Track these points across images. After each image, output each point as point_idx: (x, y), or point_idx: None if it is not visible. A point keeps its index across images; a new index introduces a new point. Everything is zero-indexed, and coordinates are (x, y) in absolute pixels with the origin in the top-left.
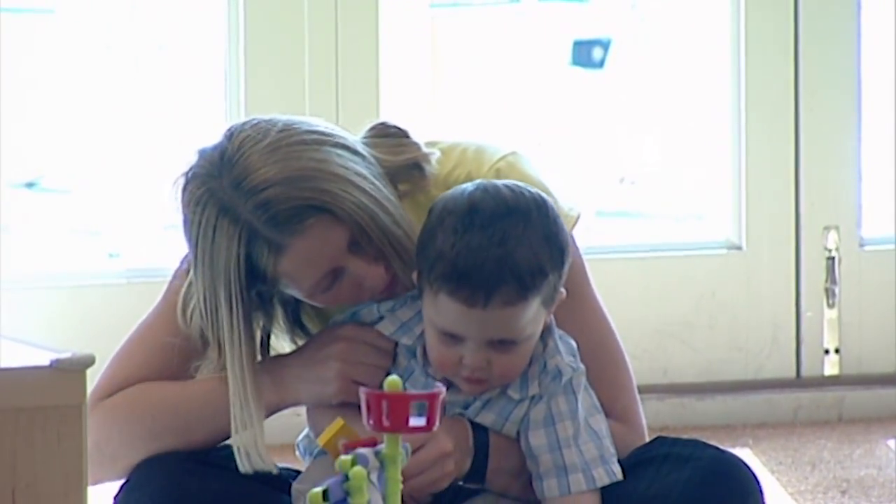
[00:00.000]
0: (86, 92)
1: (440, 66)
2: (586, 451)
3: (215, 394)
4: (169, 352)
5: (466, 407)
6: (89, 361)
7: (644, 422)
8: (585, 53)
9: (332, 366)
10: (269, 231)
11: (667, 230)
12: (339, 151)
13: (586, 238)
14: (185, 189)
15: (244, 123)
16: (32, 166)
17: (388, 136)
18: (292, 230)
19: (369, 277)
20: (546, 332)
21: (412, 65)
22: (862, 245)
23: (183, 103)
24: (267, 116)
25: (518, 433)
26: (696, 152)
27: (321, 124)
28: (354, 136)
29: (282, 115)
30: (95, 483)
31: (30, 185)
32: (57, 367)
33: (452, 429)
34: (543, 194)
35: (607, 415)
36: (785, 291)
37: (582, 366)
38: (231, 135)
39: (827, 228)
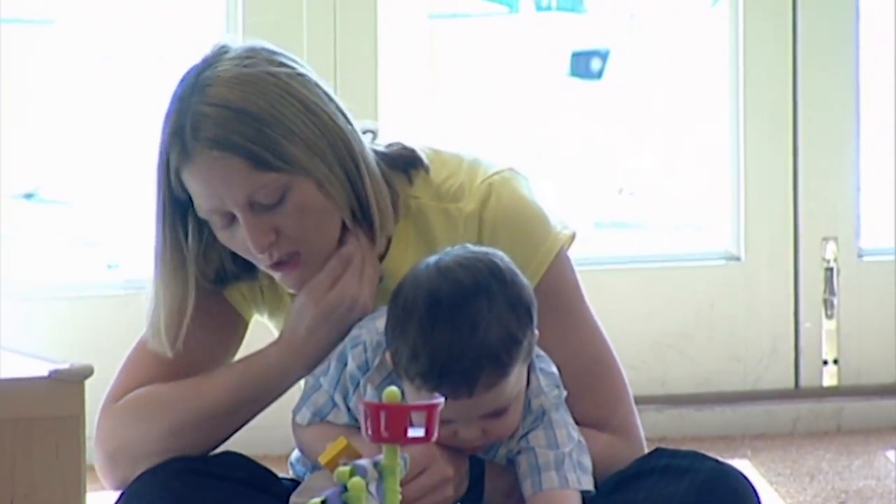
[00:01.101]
0: (85, 102)
1: (439, 77)
2: (570, 478)
3: (231, 385)
4: (181, 349)
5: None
6: (88, 372)
7: (642, 434)
8: (584, 64)
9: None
10: (189, 137)
11: (665, 241)
12: (311, 118)
13: (584, 249)
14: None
15: (253, 46)
16: (31, 177)
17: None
18: (202, 150)
19: (254, 244)
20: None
21: (411, 75)
22: (860, 256)
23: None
24: (276, 50)
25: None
26: (694, 163)
27: (322, 94)
28: (354, 125)
29: (291, 59)
30: (113, 487)
31: (28, 195)
32: (55, 377)
33: (451, 456)
34: (495, 257)
35: (605, 428)
36: (783, 302)
37: (563, 392)
38: (237, 52)
39: (825, 239)
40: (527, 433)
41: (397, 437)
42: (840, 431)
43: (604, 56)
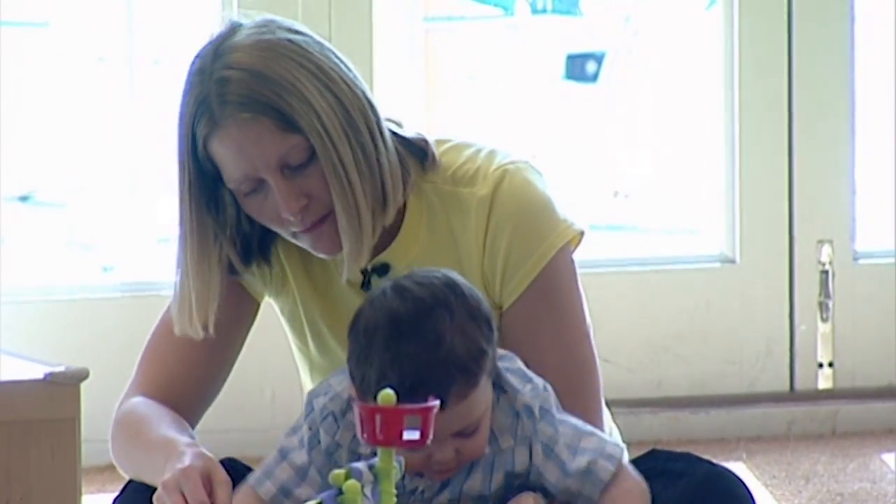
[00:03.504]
0: (80, 106)
1: (434, 80)
2: (588, 446)
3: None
4: (188, 342)
5: (449, 484)
6: (83, 375)
7: (606, 425)
8: (579, 67)
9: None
10: (216, 105)
11: (660, 243)
12: (329, 87)
13: (579, 252)
14: None
15: (267, 17)
16: (27, 180)
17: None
18: (230, 114)
19: (285, 207)
20: (495, 382)
21: (406, 78)
22: (856, 259)
23: (177, 118)
24: (293, 25)
25: (526, 483)
26: (689, 166)
27: (339, 63)
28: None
29: (307, 35)
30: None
31: (24, 198)
32: (51, 380)
33: None
34: (450, 273)
35: None
36: (779, 305)
37: (541, 381)
38: (252, 24)
39: (821, 242)
40: (514, 443)
41: (392, 439)
42: (835, 434)
43: (599, 59)
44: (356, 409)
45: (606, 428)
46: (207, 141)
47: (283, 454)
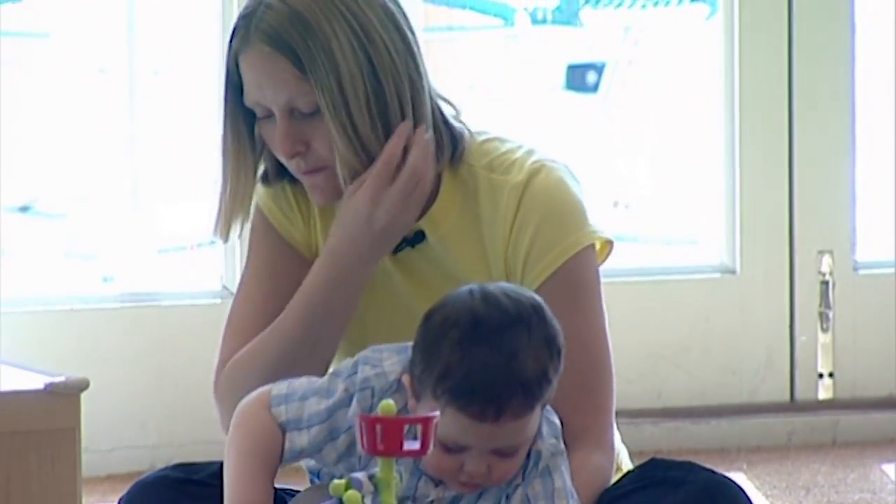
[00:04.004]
0: (80, 116)
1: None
2: None
3: (296, 314)
4: (272, 298)
5: (456, 502)
6: (83, 385)
7: (615, 439)
8: (579, 77)
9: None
10: (252, 26)
11: (661, 254)
12: (366, 51)
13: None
14: None
15: None
16: (27, 190)
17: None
18: (256, 42)
19: (281, 148)
20: None
21: None
22: (856, 269)
23: (177, 128)
24: None
25: None
26: (689, 176)
27: (390, 25)
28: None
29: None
30: None
31: (24, 209)
32: (51, 390)
33: None
34: (537, 296)
35: (585, 435)
36: (779, 315)
37: (562, 446)
38: None
39: (821, 252)
40: (522, 481)
41: (393, 450)
42: (835, 444)
43: (599, 69)
44: (356, 420)
45: (616, 446)
46: (237, 55)
47: (309, 394)
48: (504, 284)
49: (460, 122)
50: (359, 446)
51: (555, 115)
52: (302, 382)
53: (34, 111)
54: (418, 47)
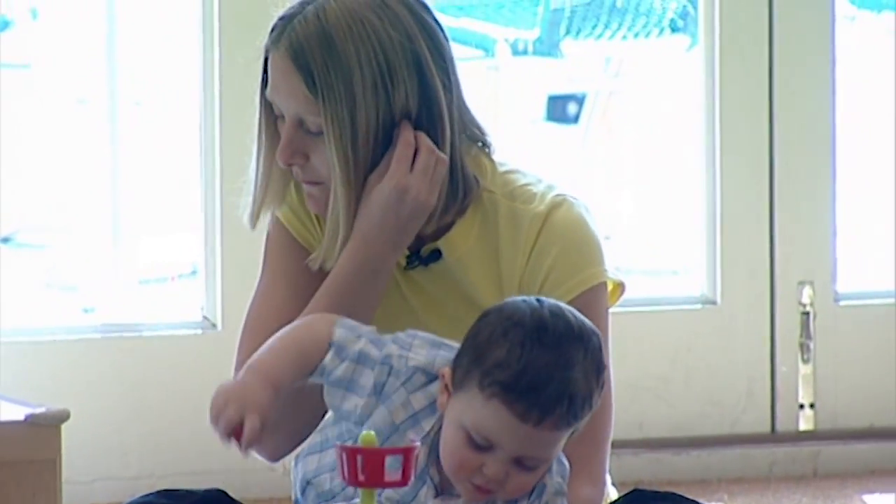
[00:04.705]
0: (61, 147)
1: None
2: None
3: (322, 306)
4: (289, 298)
5: None
6: (64, 416)
7: (608, 478)
8: (560, 109)
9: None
10: (285, 30)
11: (642, 285)
12: (387, 90)
13: None
14: None
15: None
16: (8, 221)
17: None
18: (281, 49)
19: (280, 153)
20: None
21: None
22: (837, 300)
23: (158, 159)
24: None
25: None
26: (671, 207)
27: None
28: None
29: (419, 16)
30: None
31: (5, 240)
32: (32, 421)
33: None
34: (598, 329)
35: (580, 468)
36: (760, 346)
37: (565, 488)
38: None
39: (802, 283)
40: None
41: (374, 481)
42: (816, 475)
43: (580, 101)
44: (336, 451)
45: (607, 488)
46: (268, 51)
47: (365, 334)
48: (570, 307)
49: (486, 151)
50: (339, 475)
51: (535, 146)
52: (369, 328)
53: (14, 142)
54: (449, 88)
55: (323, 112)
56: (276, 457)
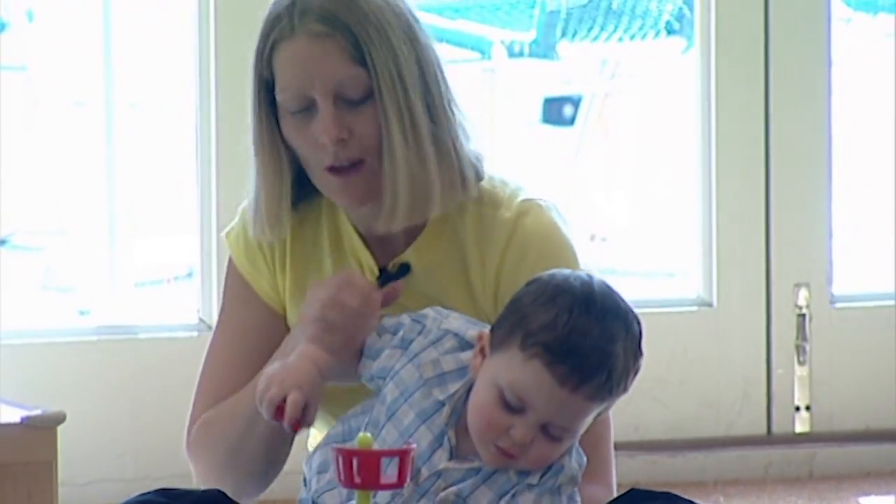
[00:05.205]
0: (57, 149)
1: None
2: None
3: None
4: (233, 365)
5: (463, 480)
6: (60, 418)
7: (615, 478)
8: (556, 111)
9: (315, 305)
10: (297, 12)
11: (638, 287)
12: (415, 47)
13: None
14: None
15: None
16: (4, 224)
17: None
18: (306, 24)
19: (323, 132)
20: None
21: None
22: (833, 302)
23: (154, 161)
24: None
25: None
26: (666, 209)
27: (426, 31)
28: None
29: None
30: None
31: (1, 242)
32: (28, 423)
33: None
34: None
35: (589, 472)
36: (756, 348)
37: (579, 479)
38: None
39: (798, 285)
40: (537, 483)
41: (370, 483)
42: (812, 477)
43: (576, 103)
44: (332, 452)
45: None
46: (276, 47)
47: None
48: (614, 289)
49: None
50: (336, 477)
51: (531, 149)
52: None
53: (11, 144)
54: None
55: (374, 69)
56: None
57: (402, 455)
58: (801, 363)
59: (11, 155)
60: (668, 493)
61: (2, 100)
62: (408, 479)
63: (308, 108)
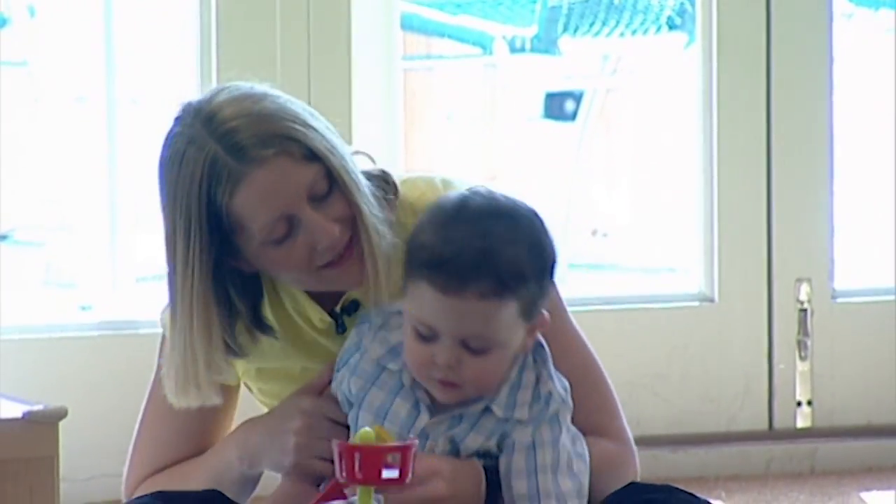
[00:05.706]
0: (58, 145)
1: (413, 119)
2: (563, 484)
3: (204, 478)
4: (176, 431)
5: (452, 429)
6: (62, 414)
7: (627, 430)
8: (557, 106)
9: (290, 440)
10: (231, 158)
11: (639, 282)
12: (317, 119)
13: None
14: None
15: (222, 85)
16: (5, 219)
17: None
18: (252, 158)
19: (324, 235)
20: (540, 363)
21: (385, 117)
22: (834, 297)
23: (155, 157)
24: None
25: (499, 455)
26: (668, 205)
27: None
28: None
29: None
30: None
31: (3, 237)
32: (30, 419)
33: (461, 473)
34: (540, 214)
35: (604, 434)
36: (757, 344)
37: (571, 403)
38: (211, 91)
39: (799, 281)
40: (527, 417)
41: (371, 478)
42: (814, 473)
43: (577, 98)
44: (335, 448)
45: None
46: (232, 197)
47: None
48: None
49: (377, 168)
50: (337, 473)
51: (533, 144)
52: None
53: (12, 140)
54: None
55: (325, 158)
56: None
57: (405, 451)
58: (802, 358)
59: (12, 150)
60: (667, 486)
61: (3, 95)
62: (409, 475)
63: (291, 229)
